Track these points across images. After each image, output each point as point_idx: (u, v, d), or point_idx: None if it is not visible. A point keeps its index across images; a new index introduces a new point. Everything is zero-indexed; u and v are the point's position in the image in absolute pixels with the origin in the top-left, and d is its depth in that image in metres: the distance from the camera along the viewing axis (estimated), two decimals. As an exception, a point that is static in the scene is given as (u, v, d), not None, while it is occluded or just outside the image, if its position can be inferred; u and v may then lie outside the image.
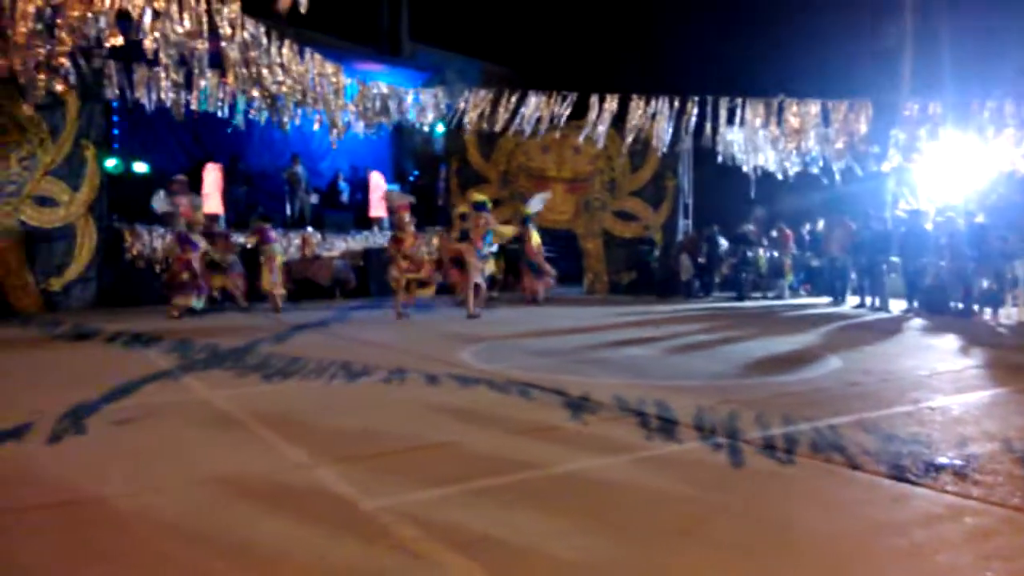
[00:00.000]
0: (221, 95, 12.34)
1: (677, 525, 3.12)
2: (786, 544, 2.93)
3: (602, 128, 14.61)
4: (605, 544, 2.92)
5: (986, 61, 15.00)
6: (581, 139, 15.11)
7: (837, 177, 14.85)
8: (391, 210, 11.51)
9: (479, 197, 11.89)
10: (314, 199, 16.71)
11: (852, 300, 14.26)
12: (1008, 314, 11.79)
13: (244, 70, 11.25)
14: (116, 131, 14.14)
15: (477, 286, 11.46)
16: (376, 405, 5.40)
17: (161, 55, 9.87)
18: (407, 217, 11.22)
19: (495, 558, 2.77)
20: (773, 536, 3.01)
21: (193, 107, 11.88)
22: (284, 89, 12.05)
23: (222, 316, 11.27)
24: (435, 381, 6.14)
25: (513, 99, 14.82)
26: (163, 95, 11.71)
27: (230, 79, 11.22)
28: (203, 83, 11.68)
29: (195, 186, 14.21)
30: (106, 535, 3.01)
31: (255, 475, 3.73)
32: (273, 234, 12.68)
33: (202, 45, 10.69)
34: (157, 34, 9.77)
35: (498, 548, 2.86)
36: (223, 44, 11.00)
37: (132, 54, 10.58)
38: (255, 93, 11.79)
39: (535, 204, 13.89)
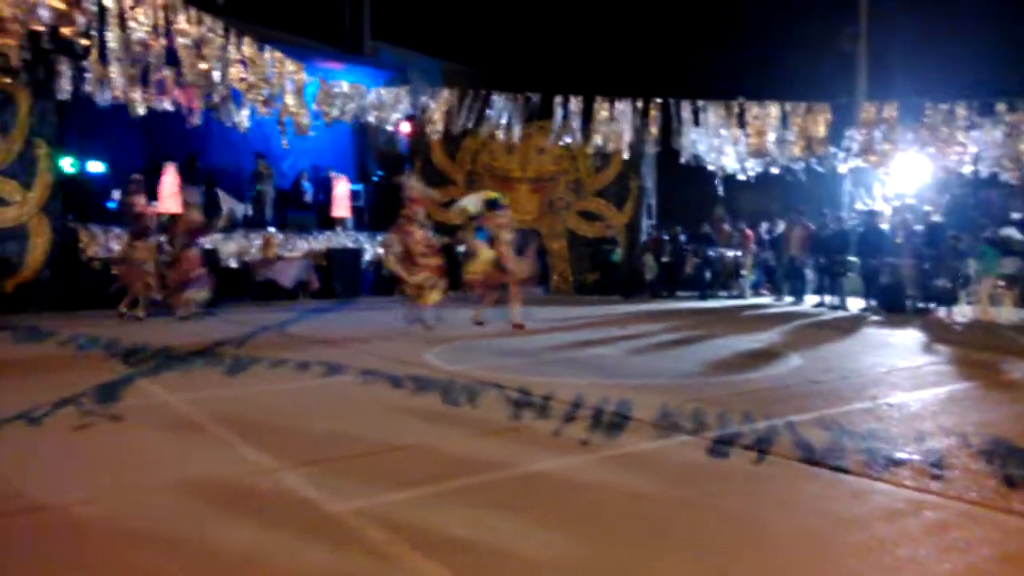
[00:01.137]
0: (179, 93, 12.11)
1: (645, 524, 3.14)
2: (753, 541, 2.97)
3: (568, 130, 14.68)
4: (573, 544, 2.93)
5: (940, 64, 15.37)
6: (550, 142, 15.16)
7: (800, 177, 15.09)
8: (410, 199, 10.11)
9: (494, 195, 11.04)
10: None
11: (811, 299, 14.51)
12: (962, 312, 12.10)
13: (202, 67, 11.08)
14: (70, 130, 13.77)
15: (495, 289, 10.42)
16: (342, 407, 5.35)
17: (100, 51, 9.69)
18: (421, 214, 10.19)
19: (463, 559, 2.76)
20: (739, 534, 3.04)
21: (146, 106, 11.63)
22: (243, 87, 11.89)
23: (176, 320, 11.06)
24: (401, 383, 6.10)
25: (477, 99, 14.82)
26: (118, 93, 11.46)
27: (187, 76, 11.03)
28: (160, 80, 11.47)
29: (152, 186, 13.94)
30: (68, 544, 2.94)
31: (219, 480, 3.66)
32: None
33: (157, 42, 10.51)
34: (114, 31, 9.59)
35: (466, 549, 2.86)
36: (180, 41, 10.82)
37: (85, 50, 10.34)
38: (214, 91, 11.61)
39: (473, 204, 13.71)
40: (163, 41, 10.74)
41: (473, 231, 13.07)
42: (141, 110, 11.51)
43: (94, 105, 11.61)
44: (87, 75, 11.49)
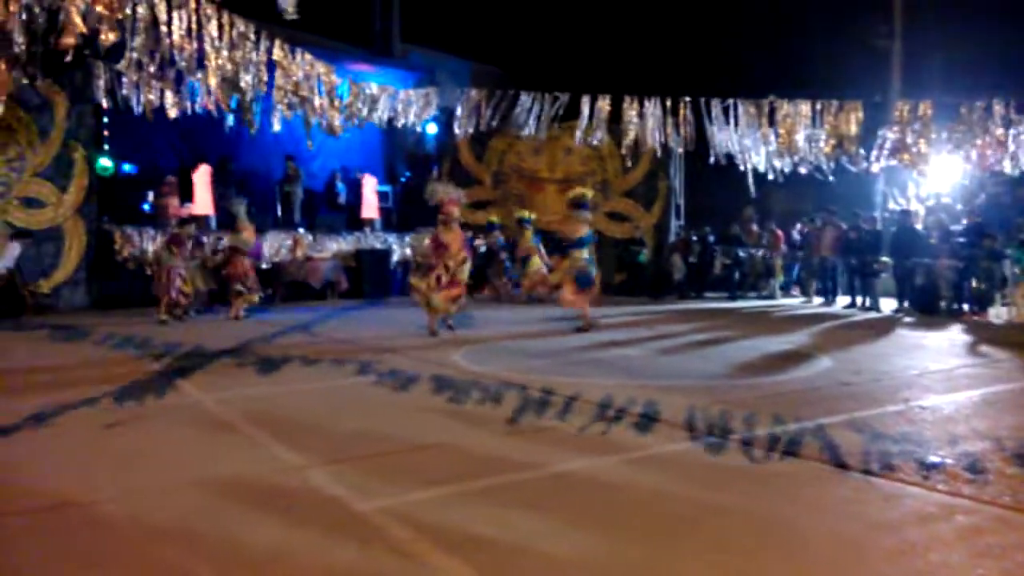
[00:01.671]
0: (211, 96, 12.25)
1: (670, 525, 3.12)
2: (780, 544, 2.94)
3: (597, 130, 14.65)
4: (598, 544, 2.92)
5: (975, 61, 15.07)
6: (578, 142, 15.14)
7: (829, 177, 14.89)
8: (438, 204, 9.65)
9: (584, 192, 10.26)
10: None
11: (842, 300, 14.30)
12: (997, 313, 11.85)
13: (231, 69, 11.20)
14: (106, 133, 14.03)
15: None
16: (369, 407, 5.38)
17: (135, 54, 9.86)
18: (455, 213, 9.57)
19: (488, 558, 2.77)
20: (767, 536, 3.01)
21: (179, 109, 11.77)
22: (275, 89, 12.00)
23: (209, 320, 11.22)
24: (428, 383, 6.12)
25: (504, 100, 14.85)
26: (152, 96, 11.64)
27: (211, 80, 11.12)
28: (191, 83, 11.62)
29: (185, 188, 14.15)
30: (96, 540, 2.99)
31: (247, 477, 3.71)
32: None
33: (190, 45, 10.65)
34: (147, 35, 9.76)
35: (491, 548, 2.86)
36: (212, 44, 10.95)
37: (108, 51, 10.50)
38: (245, 94, 11.74)
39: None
40: (195, 44, 10.88)
41: (531, 236, 13.22)
42: (173, 113, 11.67)
43: (129, 108, 11.81)
44: (123, 79, 11.69)
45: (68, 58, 9.19)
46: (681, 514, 3.24)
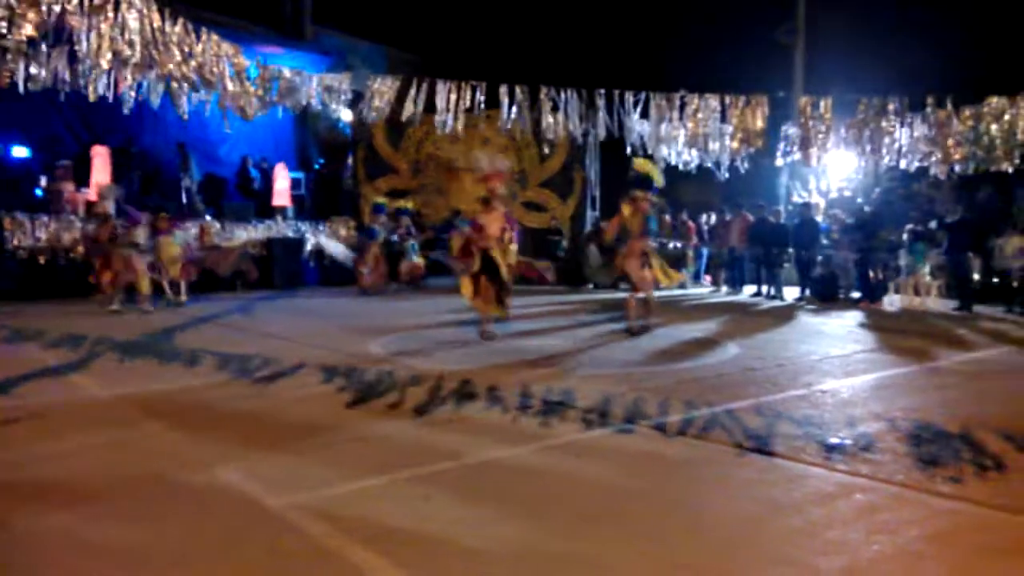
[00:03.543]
0: (110, 75, 11.63)
1: (588, 511, 3.16)
2: (692, 526, 3.02)
3: (517, 119, 14.72)
4: (517, 532, 2.93)
5: (875, 59, 15.81)
6: (508, 131, 15.15)
7: (724, 174, 15.39)
8: (485, 177, 8.11)
9: (648, 168, 8.98)
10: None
11: (749, 289, 14.82)
12: (892, 301, 12.52)
13: (131, 49, 10.70)
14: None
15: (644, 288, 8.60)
16: (280, 399, 5.24)
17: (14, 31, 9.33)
18: (501, 189, 8.15)
19: (406, 551, 2.74)
20: (679, 519, 3.09)
21: (74, 89, 11.13)
22: (177, 69, 11.52)
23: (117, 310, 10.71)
24: (342, 373, 6.01)
25: (422, 88, 14.72)
26: (43, 74, 10.96)
27: (106, 58, 10.55)
28: (88, 62, 11.01)
29: (83, 172, 13.43)
30: (-14, 545, 2.82)
31: (151, 476, 3.56)
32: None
33: (80, 23, 10.11)
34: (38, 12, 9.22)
35: (409, 540, 2.83)
36: (109, 21, 10.43)
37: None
38: (146, 74, 11.22)
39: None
40: (90, 21, 10.32)
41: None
42: (34, 85, 10.92)
43: (16, 87, 11.08)
44: (8, 56, 10.97)
45: None
46: (600, 501, 3.29)
